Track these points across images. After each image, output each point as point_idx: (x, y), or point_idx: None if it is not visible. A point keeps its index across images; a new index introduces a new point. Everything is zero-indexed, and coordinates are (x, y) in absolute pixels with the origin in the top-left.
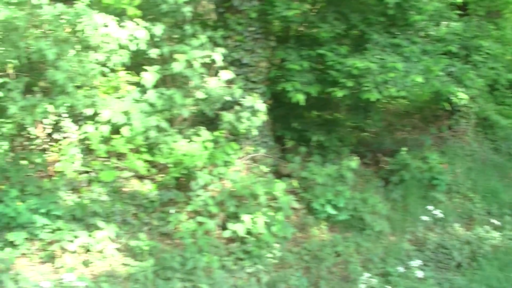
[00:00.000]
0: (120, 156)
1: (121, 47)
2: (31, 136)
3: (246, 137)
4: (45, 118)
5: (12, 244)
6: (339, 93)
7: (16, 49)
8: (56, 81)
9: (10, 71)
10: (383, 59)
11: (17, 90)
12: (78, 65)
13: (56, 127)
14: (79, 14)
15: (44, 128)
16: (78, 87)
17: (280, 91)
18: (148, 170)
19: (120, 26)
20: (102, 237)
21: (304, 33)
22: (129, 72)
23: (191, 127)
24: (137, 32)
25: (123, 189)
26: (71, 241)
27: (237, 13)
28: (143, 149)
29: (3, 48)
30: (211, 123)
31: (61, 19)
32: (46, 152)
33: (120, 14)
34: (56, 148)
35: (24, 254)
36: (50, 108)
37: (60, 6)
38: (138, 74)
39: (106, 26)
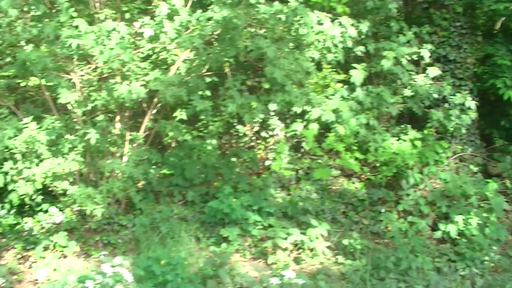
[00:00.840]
0: (329, 153)
1: (334, 45)
2: (240, 134)
3: (453, 135)
4: (257, 116)
5: (226, 240)
6: None
7: (234, 48)
8: (274, 78)
9: (227, 70)
10: None
11: (234, 88)
12: (294, 62)
13: (263, 125)
14: (295, 12)
15: (253, 126)
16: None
17: (487, 87)
18: (361, 169)
19: (333, 24)
20: (314, 235)
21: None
22: (335, 70)
23: (396, 125)
24: (349, 30)
25: (331, 187)
26: (284, 238)
27: (442, 8)
28: (354, 147)
29: (220, 48)
30: (414, 121)
31: (277, 18)
32: (253, 149)
33: (328, 12)
34: (263, 145)
35: (237, 250)
36: (271, 106)
37: (277, 5)
38: (343, 72)
39: (321, 23)
